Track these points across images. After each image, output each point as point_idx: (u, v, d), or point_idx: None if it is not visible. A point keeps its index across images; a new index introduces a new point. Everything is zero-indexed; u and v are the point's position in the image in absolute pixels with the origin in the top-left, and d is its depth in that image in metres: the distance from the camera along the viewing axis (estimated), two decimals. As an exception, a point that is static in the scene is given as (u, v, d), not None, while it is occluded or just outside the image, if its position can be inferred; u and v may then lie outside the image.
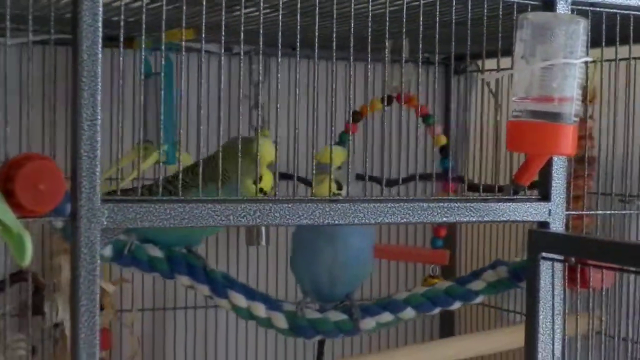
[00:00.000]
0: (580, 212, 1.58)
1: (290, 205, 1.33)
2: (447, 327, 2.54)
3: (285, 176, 2.23)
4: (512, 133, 1.41)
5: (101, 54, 1.22)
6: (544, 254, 1.42)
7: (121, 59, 1.32)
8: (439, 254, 2.04)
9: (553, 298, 1.42)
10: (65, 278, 2.06)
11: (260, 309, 1.60)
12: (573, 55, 1.38)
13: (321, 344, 1.87)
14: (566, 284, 1.50)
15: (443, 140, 2.05)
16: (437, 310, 1.68)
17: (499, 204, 1.45)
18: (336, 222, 1.35)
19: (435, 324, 2.56)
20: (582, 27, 1.38)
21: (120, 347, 2.21)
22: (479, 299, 1.68)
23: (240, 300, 1.59)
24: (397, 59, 1.93)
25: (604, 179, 1.82)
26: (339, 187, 1.59)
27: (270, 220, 1.32)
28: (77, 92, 1.21)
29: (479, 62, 2.33)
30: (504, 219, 1.46)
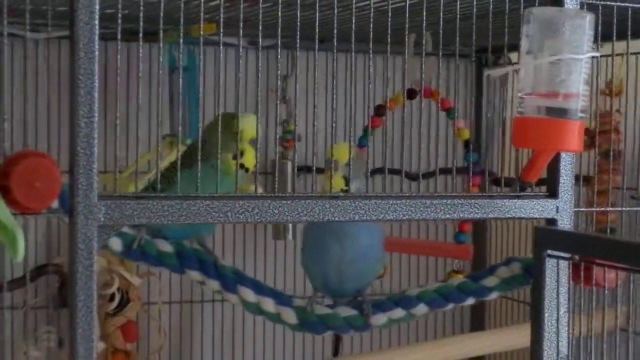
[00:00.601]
0: (590, 209, 1.56)
1: (289, 202, 1.33)
2: (477, 321, 2.53)
3: (308, 169, 2.24)
4: (517, 129, 1.40)
5: (97, 51, 1.23)
6: (549, 252, 1.41)
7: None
8: (463, 249, 2.03)
9: (558, 296, 1.40)
10: (90, 271, 2.08)
11: (269, 304, 1.60)
12: (579, 51, 1.36)
13: (337, 338, 1.87)
14: (578, 282, 1.48)
15: (466, 134, 2.04)
16: (450, 307, 1.67)
17: (505, 200, 1.44)
18: (337, 218, 1.35)
19: (465, 318, 2.55)
20: (587, 21, 1.37)
21: (147, 339, 2.23)
22: (493, 296, 1.66)
23: (250, 295, 1.59)
24: (418, 52, 1.94)
25: (630, 175, 1.80)
26: (346, 183, 1.59)
27: (269, 218, 1.33)
28: (73, 89, 1.23)
29: (512, 55, 2.31)
30: (510, 215, 1.45)
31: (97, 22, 1.23)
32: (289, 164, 2.25)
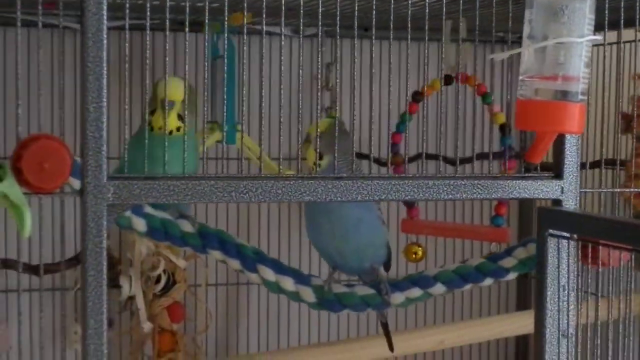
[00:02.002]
0: (598, 190, 1.57)
1: (291, 183, 1.38)
2: (523, 301, 2.55)
3: (361, 156, 2.29)
4: (519, 111, 1.43)
5: (106, 40, 1.30)
6: (550, 231, 1.43)
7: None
8: (500, 232, 2.05)
9: (559, 274, 1.43)
10: (137, 253, 2.16)
11: (288, 283, 1.65)
12: (578, 34, 1.39)
13: (385, 326, 1.89)
14: (586, 262, 1.51)
15: (502, 118, 2.06)
16: (467, 287, 1.70)
17: (509, 181, 1.47)
18: (339, 199, 1.40)
19: (511, 297, 2.58)
20: (588, 5, 1.39)
21: (195, 320, 2.30)
22: (510, 276, 1.69)
23: (269, 275, 1.64)
24: (455, 39, 1.97)
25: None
26: (321, 157, 1.63)
27: (272, 197, 1.38)
28: (84, 76, 1.30)
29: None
30: (515, 196, 1.48)
31: (104, 12, 1.30)
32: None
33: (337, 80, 2.26)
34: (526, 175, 1.49)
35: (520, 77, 1.43)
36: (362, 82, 1.82)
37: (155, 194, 1.34)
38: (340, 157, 1.64)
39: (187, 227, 1.64)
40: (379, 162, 2.24)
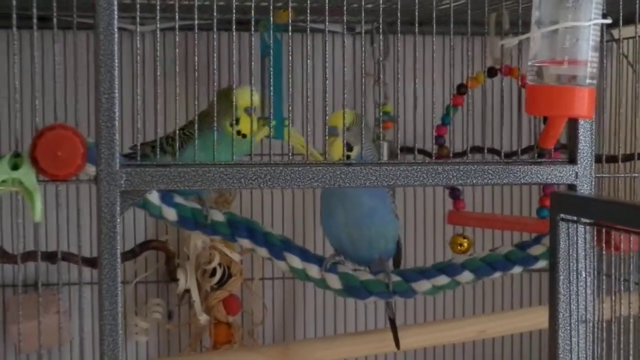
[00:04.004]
0: (613, 175, 1.57)
1: (300, 169, 1.42)
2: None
3: (408, 149, 2.31)
4: (529, 96, 1.44)
5: (117, 34, 1.36)
6: (562, 216, 1.44)
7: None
8: (545, 224, 2.05)
9: (569, 259, 1.43)
10: (193, 247, 2.22)
11: (314, 270, 1.69)
12: (584, 18, 1.39)
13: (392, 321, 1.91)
14: (601, 246, 1.50)
15: (546, 110, 2.06)
16: (497, 275, 1.71)
17: (522, 166, 1.48)
18: (347, 184, 1.42)
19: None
20: (595, -11, 1.40)
21: (251, 313, 2.35)
22: (539, 264, 1.70)
23: (296, 262, 1.69)
24: (498, 32, 1.99)
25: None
26: (349, 149, 1.66)
27: (282, 184, 1.42)
28: (97, 68, 1.36)
29: (613, 32, 2.31)
30: (528, 181, 1.48)
31: (115, 7, 1.35)
32: (385, 145, 2.32)
33: (382, 76, 2.29)
34: (540, 160, 1.50)
35: (529, 63, 1.44)
36: (406, 76, 1.85)
37: (167, 180, 1.39)
38: (368, 147, 1.67)
39: (216, 216, 1.69)
40: (425, 153, 2.26)
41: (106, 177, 1.36)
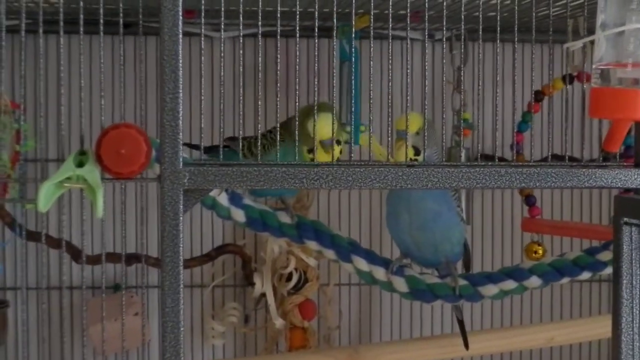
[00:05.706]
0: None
1: (361, 170, 1.42)
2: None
3: (486, 157, 2.30)
4: (593, 100, 1.43)
5: (180, 34, 1.39)
6: (625, 220, 1.42)
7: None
8: (617, 231, 2.03)
9: (632, 263, 1.41)
10: (269, 252, 2.25)
11: (380, 273, 1.70)
12: (648, 20, 1.38)
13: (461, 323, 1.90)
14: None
15: (621, 116, 2.04)
16: (565, 280, 1.70)
17: (585, 170, 1.46)
18: (409, 186, 1.42)
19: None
20: (661, -10, 1.38)
21: (327, 318, 2.36)
22: (608, 270, 1.68)
23: (363, 265, 1.69)
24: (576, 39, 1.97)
25: None
26: (417, 153, 1.65)
27: (344, 184, 1.42)
28: (162, 69, 1.39)
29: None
30: (591, 185, 1.46)
31: (180, 8, 1.38)
32: (463, 152, 2.31)
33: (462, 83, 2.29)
34: (604, 164, 1.48)
35: (594, 66, 1.43)
36: (485, 83, 1.85)
37: (229, 179, 1.41)
38: (434, 151, 1.67)
39: (284, 217, 1.71)
40: (504, 161, 2.24)
41: (169, 176, 1.39)
